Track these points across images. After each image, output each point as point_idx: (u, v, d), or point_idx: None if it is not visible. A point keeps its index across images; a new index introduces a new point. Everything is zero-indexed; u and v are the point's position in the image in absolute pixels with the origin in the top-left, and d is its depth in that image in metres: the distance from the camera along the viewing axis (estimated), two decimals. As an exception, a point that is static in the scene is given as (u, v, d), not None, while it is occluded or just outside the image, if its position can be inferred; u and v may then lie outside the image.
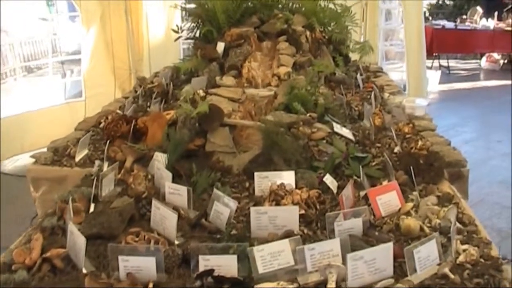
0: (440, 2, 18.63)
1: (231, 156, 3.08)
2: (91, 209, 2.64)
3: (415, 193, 2.69)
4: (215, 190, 2.54)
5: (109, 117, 3.83)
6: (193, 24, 4.99)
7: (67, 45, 9.83)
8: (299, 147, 3.04)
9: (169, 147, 3.03)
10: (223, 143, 3.10)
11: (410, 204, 2.54)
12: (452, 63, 13.81)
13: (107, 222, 2.38)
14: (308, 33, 4.72)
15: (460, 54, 14.74)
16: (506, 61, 13.75)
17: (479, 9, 13.74)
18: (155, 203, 2.38)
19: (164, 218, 2.33)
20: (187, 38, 5.11)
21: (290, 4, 5.09)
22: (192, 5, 5.11)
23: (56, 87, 7.91)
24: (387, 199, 2.54)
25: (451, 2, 18.76)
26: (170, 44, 6.52)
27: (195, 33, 5.00)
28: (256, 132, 3.19)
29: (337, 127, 3.38)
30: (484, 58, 13.90)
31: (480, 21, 13.42)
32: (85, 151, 3.45)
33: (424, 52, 7.75)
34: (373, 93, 4.25)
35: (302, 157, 3.01)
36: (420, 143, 3.29)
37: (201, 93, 3.85)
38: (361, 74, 5.08)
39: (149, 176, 2.88)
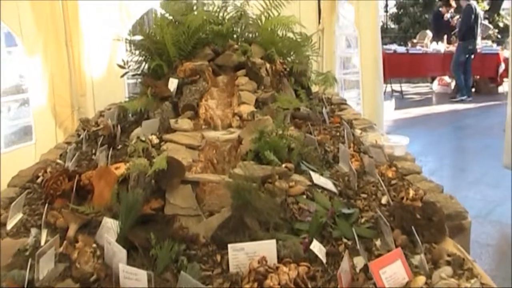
0: (385, 26, 18.81)
1: (196, 220, 2.53)
2: (25, 301, 2.10)
3: (419, 257, 2.25)
4: (182, 273, 2.01)
5: (48, 171, 3.30)
6: (140, 58, 4.53)
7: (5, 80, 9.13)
8: (277, 206, 2.52)
9: (121, 211, 2.45)
10: (186, 205, 2.56)
11: (422, 278, 2.08)
12: (404, 87, 13.65)
13: (46, 324, 1.86)
14: (268, 65, 4.31)
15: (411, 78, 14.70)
16: (457, 84, 13.76)
17: (429, 33, 13.74)
18: (107, 299, 1.86)
19: (120, 319, 1.81)
20: (134, 74, 4.61)
21: (246, 34, 4.69)
22: (138, 37, 4.63)
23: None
24: (392, 272, 2.08)
25: (396, 26, 18.98)
26: (115, 79, 5.99)
27: (143, 68, 4.53)
28: (220, 186, 2.71)
29: (316, 178, 2.90)
30: (436, 82, 13.89)
31: (430, 44, 13.38)
32: (19, 216, 2.87)
33: (381, 80, 7.45)
34: (345, 131, 3.83)
35: (281, 219, 2.49)
36: (411, 192, 2.84)
37: (155, 139, 3.38)
38: (325, 108, 4.67)
39: (98, 252, 2.36)
